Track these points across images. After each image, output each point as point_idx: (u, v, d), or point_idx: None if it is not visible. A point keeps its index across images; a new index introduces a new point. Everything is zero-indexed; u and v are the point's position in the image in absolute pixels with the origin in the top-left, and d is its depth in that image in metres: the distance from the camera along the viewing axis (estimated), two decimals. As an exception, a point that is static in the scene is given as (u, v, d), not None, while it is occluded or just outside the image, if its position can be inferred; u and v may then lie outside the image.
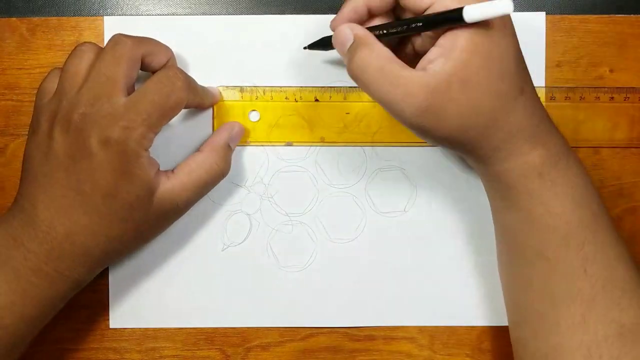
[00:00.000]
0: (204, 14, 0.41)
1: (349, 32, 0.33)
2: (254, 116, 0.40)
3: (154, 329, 0.41)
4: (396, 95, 0.31)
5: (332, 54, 0.39)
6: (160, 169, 0.35)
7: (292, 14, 0.40)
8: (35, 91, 0.37)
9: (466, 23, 0.29)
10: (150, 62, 0.36)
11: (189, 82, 0.35)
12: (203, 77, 0.40)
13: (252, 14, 0.40)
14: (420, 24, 0.32)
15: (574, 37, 0.40)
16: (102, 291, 0.40)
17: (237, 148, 0.40)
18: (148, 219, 0.35)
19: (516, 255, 0.35)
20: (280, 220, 0.41)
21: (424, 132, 0.32)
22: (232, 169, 0.40)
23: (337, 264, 0.41)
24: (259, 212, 0.41)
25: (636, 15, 0.40)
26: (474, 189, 0.40)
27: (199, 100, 0.37)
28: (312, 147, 0.40)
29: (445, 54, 0.31)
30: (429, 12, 0.32)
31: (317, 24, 0.40)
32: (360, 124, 0.40)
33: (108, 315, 0.40)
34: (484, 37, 0.31)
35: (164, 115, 0.34)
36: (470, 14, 0.29)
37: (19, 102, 0.40)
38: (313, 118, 0.40)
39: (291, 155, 0.41)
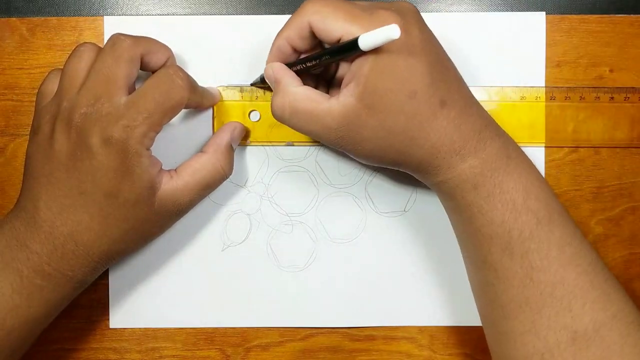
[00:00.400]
0: (204, 14, 0.41)
1: (271, 72, 0.35)
2: (255, 116, 0.40)
3: (154, 329, 0.41)
4: (315, 130, 0.33)
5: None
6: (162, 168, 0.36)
7: (291, 14, 0.40)
8: (35, 91, 0.37)
9: (363, 51, 0.31)
10: (149, 61, 0.36)
11: (190, 81, 0.35)
12: (203, 77, 0.40)
13: (252, 14, 0.40)
14: (328, 56, 0.33)
15: (574, 37, 0.40)
16: (102, 291, 0.40)
17: (238, 148, 0.40)
18: (150, 218, 0.35)
19: (468, 261, 0.36)
20: (280, 220, 0.41)
21: (351, 155, 0.34)
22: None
23: (337, 264, 0.41)
24: (259, 212, 0.41)
25: (636, 15, 0.40)
26: (474, 189, 0.40)
27: (198, 100, 0.37)
28: (312, 147, 0.40)
29: (355, 80, 0.32)
30: (341, 42, 0.32)
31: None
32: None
33: (108, 315, 0.40)
34: (388, 60, 0.31)
35: (165, 114, 0.34)
36: (365, 42, 0.30)
37: (19, 102, 0.40)
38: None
39: (291, 155, 0.41)
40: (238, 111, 0.40)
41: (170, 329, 0.41)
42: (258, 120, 0.40)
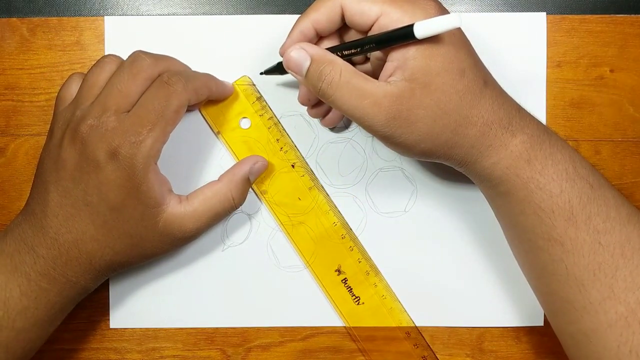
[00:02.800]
0: (204, 14, 0.41)
1: (303, 53, 0.33)
2: (245, 123, 0.40)
3: (154, 329, 0.41)
4: (364, 107, 0.32)
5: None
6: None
7: (292, 14, 0.40)
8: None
9: (417, 39, 0.30)
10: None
11: (186, 83, 0.35)
12: (203, 77, 0.40)
13: (252, 14, 0.40)
14: (374, 44, 0.32)
15: (575, 37, 0.40)
16: (103, 291, 0.40)
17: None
18: (154, 238, 0.35)
19: (527, 244, 0.35)
20: (281, 220, 0.41)
21: (396, 142, 0.33)
22: (232, 169, 0.40)
23: (337, 264, 0.41)
24: (259, 213, 0.41)
25: (636, 15, 0.40)
26: (474, 189, 0.40)
27: (203, 97, 0.37)
28: (312, 147, 0.40)
29: (401, 66, 0.31)
30: (375, 28, 0.32)
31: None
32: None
33: (108, 315, 0.40)
34: (435, 43, 0.31)
35: (167, 122, 0.34)
36: (421, 30, 0.30)
37: (19, 102, 0.40)
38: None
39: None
40: (232, 115, 0.40)
41: (171, 329, 0.41)
42: (248, 128, 0.40)
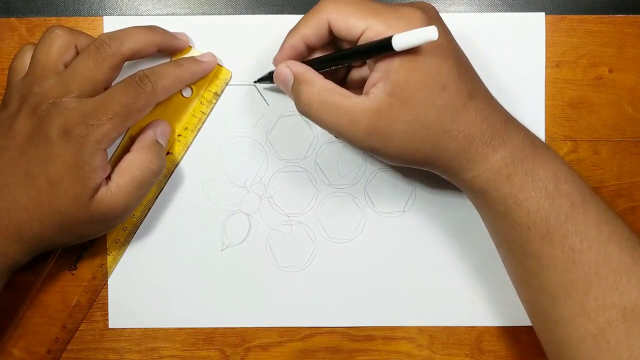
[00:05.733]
0: (203, 14, 0.41)
1: (287, 71, 0.34)
2: (187, 92, 0.40)
3: (154, 329, 0.41)
4: (343, 124, 0.32)
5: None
6: None
7: (292, 14, 0.40)
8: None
9: (396, 51, 0.30)
10: (139, 56, 0.36)
11: (157, 86, 0.35)
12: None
13: (252, 14, 0.40)
14: (354, 55, 0.33)
15: (574, 38, 0.40)
16: (102, 291, 0.40)
17: (236, 147, 0.40)
18: (84, 219, 0.35)
19: (507, 254, 0.36)
20: (280, 220, 0.41)
21: (377, 154, 0.34)
22: (231, 169, 0.40)
23: (336, 264, 0.41)
24: (259, 212, 0.41)
25: (635, 15, 0.40)
26: (474, 189, 0.40)
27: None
28: (311, 147, 0.40)
29: (384, 78, 0.32)
30: (361, 41, 0.32)
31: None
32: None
33: (107, 315, 0.40)
34: (418, 55, 0.31)
35: (129, 116, 0.34)
36: (399, 42, 0.30)
37: (19, 102, 0.40)
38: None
39: (291, 156, 0.41)
40: None
41: (170, 329, 0.41)
42: (183, 97, 0.40)
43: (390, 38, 0.30)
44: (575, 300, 0.32)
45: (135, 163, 0.36)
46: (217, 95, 0.40)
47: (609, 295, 0.31)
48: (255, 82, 0.39)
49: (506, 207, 0.33)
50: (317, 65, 0.35)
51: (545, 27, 0.40)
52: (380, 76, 0.32)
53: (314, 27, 0.34)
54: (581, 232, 0.32)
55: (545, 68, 0.40)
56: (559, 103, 0.41)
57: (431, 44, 0.31)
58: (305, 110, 0.34)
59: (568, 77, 0.41)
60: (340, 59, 0.34)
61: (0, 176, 0.34)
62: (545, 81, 0.40)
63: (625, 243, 0.32)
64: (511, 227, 0.33)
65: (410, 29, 0.30)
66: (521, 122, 0.35)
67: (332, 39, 0.35)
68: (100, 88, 0.35)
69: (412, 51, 0.31)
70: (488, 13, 0.40)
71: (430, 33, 0.30)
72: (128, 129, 0.37)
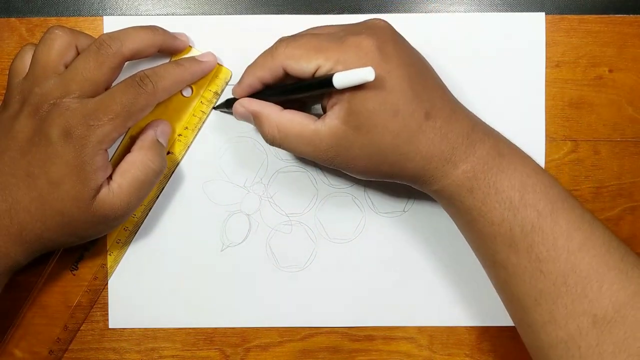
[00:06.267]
0: (203, 14, 0.41)
1: (243, 110, 0.36)
2: (187, 92, 0.40)
3: (154, 329, 0.41)
4: (307, 151, 0.34)
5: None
6: None
7: (292, 14, 0.40)
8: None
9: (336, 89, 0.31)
10: (140, 56, 0.36)
11: (157, 83, 0.35)
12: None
13: (252, 14, 0.40)
14: (305, 89, 0.34)
15: (574, 38, 0.40)
16: (102, 291, 0.40)
17: (236, 147, 0.40)
18: (85, 219, 0.35)
19: (480, 261, 0.36)
20: (280, 220, 0.41)
21: (345, 172, 0.35)
22: (231, 169, 0.40)
23: (336, 264, 0.41)
24: (259, 212, 0.41)
25: (635, 15, 0.40)
26: (474, 189, 0.40)
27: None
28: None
29: (339, 103, 0.33)
30: (316, 77, 0.33)
31: (316, 25, 0.39)
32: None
33: (107, 315, 0.40)
34: (368, 84, 0.32)
35: (130, 116, 0.34)
36: (339, 81, 0.31)
37: (19, 102, 0.40)
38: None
39: (291, 156, 0.41)
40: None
41: (170, 329, 0.41)
42: (183, 97, 0.40)
43: (331, 77, 0.31)
44: (544, 309, 0.32)
45: (137, 163, 0.36)
46: (218, 95, 0.40)
47: (579, 303, 0.31)
48: (213, 108, 0.40)
49: (472, 218, 0.34)
50: (270, 98, 0.36)
51: (545, 27, 0.40)
52: (335, 101, 0.33)
53: (269, 71, 0.35)
54: (548, 241, 0.32)
55: (545, 68, 0.40)
56: (559, 103, 0.41)
57: (379, 70, 0.32)
58: (270, 143, 0.35)
59: (568, 77, 0.40)
60: (291, 92, 0.35)
61: (2, 177, 0.34)
62: (545, 81, 0.40)
63: (600, 249, 0.32)
64: (479, 236, 0.34)
65: (359, 61, 0.32)
66: (521, 122, 0.35)
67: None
68: (101, 88, 0.35)
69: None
70: (488, 13, 0.40)
71: (366, 74, 0.30)
72: (129, 129, 0.37)
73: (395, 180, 0.35)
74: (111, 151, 0.38)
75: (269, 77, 0.35)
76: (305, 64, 0.33)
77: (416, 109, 0.33)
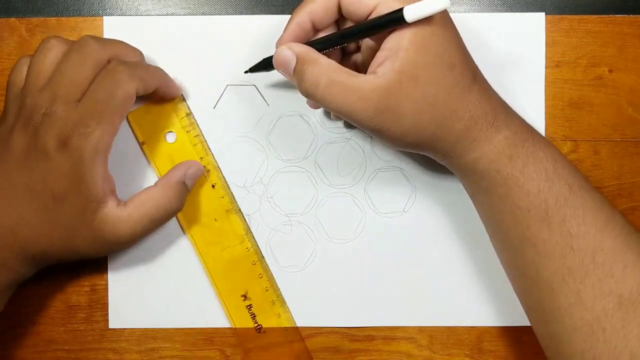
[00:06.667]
0: (203, 14, 0.41)
1: (289, 52, 0.33)
2: (171, 137, 0.40)
3: (154, 329, 0.41)
4: (351, 103, 0.32)
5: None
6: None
7: (291, 14, 0.40)
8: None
9: (407, 23, 0.30)
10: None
11: (133, 72, 0.34)
12: (202, 77, 0.40)
13: (252, 14, 0.40)
14: (364, 31, 0.32)
15: (574, 38, 0.40)
16: (101, 291, 0.40)
17: (236, 147, 0.40)
18: (87, 236, 0.34)
19: (504, 244, 0.35)
20: (280, 220, 0.41)
21: (385, 133, 0.33)
22: (231, 169, 0.40)
23: (336, 264, 0.41)
24: (259, 213, 0.41)
25: (635, 15, 0.40)
26: (474, 189, 0.40)
27: (150, 87, 0.36)
28: (311, 147, 0.40)
29: (392, 56, 0.31)
30: (373, 15, 0.32)
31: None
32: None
33: (107, 315, 0.40)
34: (427, 33, 0.31)
35: (114, 112, 0.34)
36: (411, 13, 0.30)
37: (19, 102, 0.40)
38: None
39: (290, 156, 0.41)
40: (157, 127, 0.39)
41: (170, 329, 0.41)
42: (173, 142, 0.40)
43: (401, 10, 0.30)
44: (572, 289, 0.32)
45: (154, 200, 0.36)
46: (190, 114, 0.40)
47: (605, 282, 0.31)
48: (246, 72, 0.38)
49: (507, 189, 0.33)
50: (320, 45, 0.34)
51: (545, 27, 0.40)
52: (387, 55, 0.32)
53: (323, 2, 0.33)
54: (579, 216, 0.32)
55: (545, 68, 0.40)
56: (559, 103, 0.41)
57: (439, 21, 0.31)
58: (310, 90, 0.32)
59: (568, 77, 0.41)
60: (349, 36, 0.33)
61: (2, 192, 0.34)
62: (545, 81, 0.40)
63: (620, 230, 0.32)
64: (511, 211, 0.33)
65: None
66: None
67: (336, 22, 0.35)
68: (85, 88, 0.34)
69: (420, 29, 0.31)
70: (488, 13, 0.40)
71: (442, 2, 0.29)
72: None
73: (432, 147, 0.34)
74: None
75: (321, 10, 0.33)
76: None
77: (467, 68, 0.33)
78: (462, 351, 0.41)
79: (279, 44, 0.35)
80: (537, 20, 0.40)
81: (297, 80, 0.33)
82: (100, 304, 0.41)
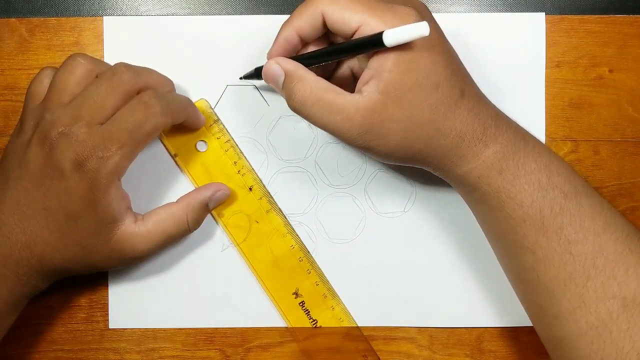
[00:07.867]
0: (203, 14, 0.41)
1: (277, 68, 0.34)
2: (202, 146, 0.40)
3: (154, 329, 0.41)
4: (337, 122, 0.32)
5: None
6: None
7: (290, 14, 0.40)
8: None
9: (387, 47, 0.30)
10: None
11: (165, 107, 0.34)
12: (202, 77, 0.40)
13: (252, 14, 0.40)
14: (346, 50, 0.33)
15: (574, 38, 0.40)
16: (102, 291, 0.40)
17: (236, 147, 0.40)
18: (104, 253, 0.35)
19: (502, 250, 0.35)
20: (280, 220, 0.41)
21: (371, 152, 0.34)
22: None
23: (336, 264, 0.41)
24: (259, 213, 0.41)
25: (635, 15, 0.40)
26: (474, 189, 0.40)
27: (177, 121, 0.36)
28: (311, 147, 0.40)
29: (377, 76, 0.32)
30: (356, 35, 0.32)
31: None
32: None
33: (107, 315, 0.40)
34: (411, 54, 0.31)
35: (137, 143, 0.34)
36: (390, 38, 0.30)
37: (19, 102, 0.40)
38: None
39: (291, 156, 0.41)
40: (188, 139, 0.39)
41: (170, 329, 0.41)
42: (205, 151, 0.40)
43: (381, 34, 0.30)
44: (574, 293, 0.32)
45: (174, 218, 0.36)
46: (218, 120, 0.40)
47: (608, 285, 0.31)
48: (241, 78, 0.39)
49: (499, 201, 0.33)
50: (307, 61, 0.34)
51: (545, 27, 0.40)
52: (372, 74, 0.32)
53: (308, 19, 0.33)
54: (576, 223, 0.32)
55: (545, 68, 0.40)
56: (559, 103, 0.41)
57: (424, 42, 0.31)
58: (298, 108, 0.33)
59: (568, 77, 0.41)
60: (331, 55, 0.34)
61: (18, 208, 0.34)
62: (545, 81, 0.40)
63: (620, 233, 0.32)
64: (505, 221, 0.33)
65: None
66: (521, 122, 0.35)
67: (323, 37, 0.35)
68: (110, 114, 0.34)
69: (405, 49, 0.31)
70: (488, 13, 0.40)
71: (421, 29, 0.30)
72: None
73: (422, 162, 0.34)
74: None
75: (307, 27, 0.33)
76: (348, 15, 0.32)
77: (454, 85, 0.33)
78: (462, 351, 0.41)
79: (268, 56, 0.35)
80: (537, 20, 0.40)
81: (285, 96, 0.34)
82: (100, 304, 0.41)
